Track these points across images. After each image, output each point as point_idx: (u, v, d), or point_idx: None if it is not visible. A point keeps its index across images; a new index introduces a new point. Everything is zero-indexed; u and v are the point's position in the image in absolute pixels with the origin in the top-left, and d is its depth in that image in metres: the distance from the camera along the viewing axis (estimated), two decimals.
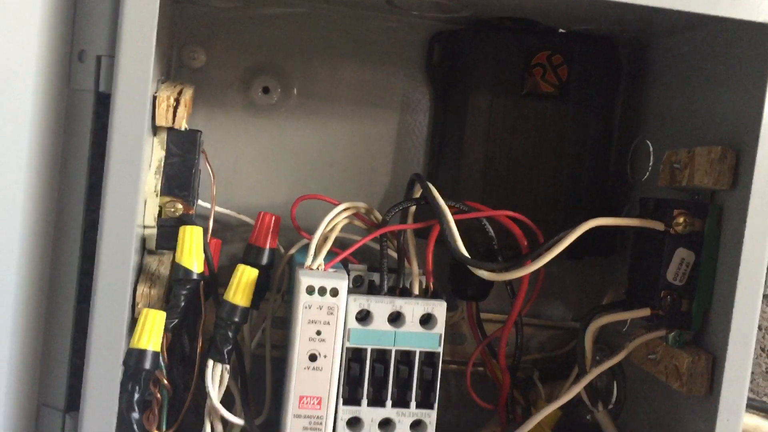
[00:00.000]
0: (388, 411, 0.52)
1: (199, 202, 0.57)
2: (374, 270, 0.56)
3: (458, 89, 0.61)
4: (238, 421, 0.52)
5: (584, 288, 0.67)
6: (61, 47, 0.42)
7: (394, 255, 0.55)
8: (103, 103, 0.42)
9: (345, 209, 0.55)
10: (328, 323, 0.50)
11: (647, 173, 0.61)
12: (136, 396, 0.48)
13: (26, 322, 0.46)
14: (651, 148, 0.61)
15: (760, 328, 0.72)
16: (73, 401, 0.46)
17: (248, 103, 0.62)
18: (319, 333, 0.50)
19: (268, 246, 0.57)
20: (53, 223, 0.46)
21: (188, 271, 0.51)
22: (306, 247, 0.54)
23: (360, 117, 0.64)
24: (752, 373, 0.73)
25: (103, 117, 0.42)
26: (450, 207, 0.53)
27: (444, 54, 0.63)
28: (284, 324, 0.58)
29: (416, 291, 0.54)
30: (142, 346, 0.48)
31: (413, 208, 0.56)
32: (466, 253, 0.52)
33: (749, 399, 0.69)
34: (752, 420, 0.66)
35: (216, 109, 0.62)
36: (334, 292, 0.50)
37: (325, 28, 0.63)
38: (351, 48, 0.63)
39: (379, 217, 0.56)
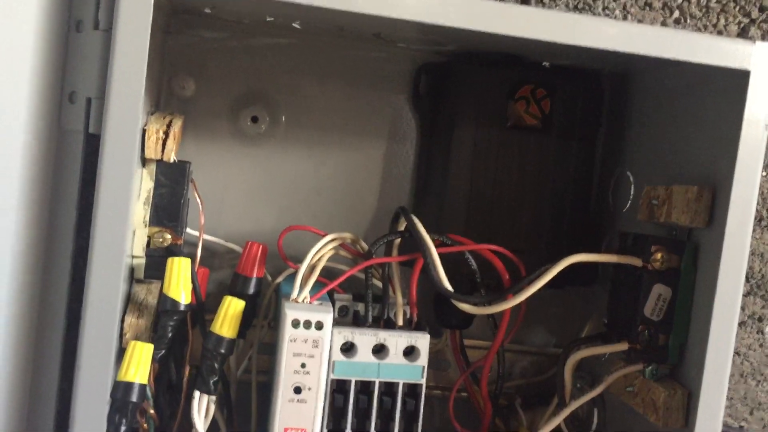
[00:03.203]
0: None
1: (188, 230, 0.58)
2: (359, 299, 0.57)
3: (444, 120, 0.63)
4: None
5: (566, 315, 0.68)
6: (52, 88, 0.43)
7: (380, 283, 0.57)
8: (93, 144, 0.43)
9: (331, 240, 0.56)
10: (313, 356, 0.51)
11: (628, 204, 0.62)
12: (123, 428, 0.49)
13: (14, 353, 0.46)
14: (632, 180, 0.62)
15: (738, 354, 0.74)
16: None
17: (237, 131, 0.63)
18: (303, 365, 0.51)
19: (255, 275, 0.57)
20: (43, 253, 0.47)
21: (175, 303, 0.52)
22: (293, 275, 0.55)
23: (347, 146, 0.65)
24: (731, 398, 0.74)
25: (92, 157, 0.43)
26: (434, 240, 0.54)
27: (430, 85, 0.64)
28: (270, 349, 0.59)
29: (400, 322, 0.55)
30: (129, 378, 0.49)
31: (399, 239, 0.57)
32: (449, 287, 0.53)
33: (727, 426, 0.70)
34: None
35: (205, 138, 0.63)
36: (319, 326, 0.51)
37: (313, 59, 0.63)
38: (339, 78, 0.64)
39: (365, 246, 0.57)
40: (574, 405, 0.55)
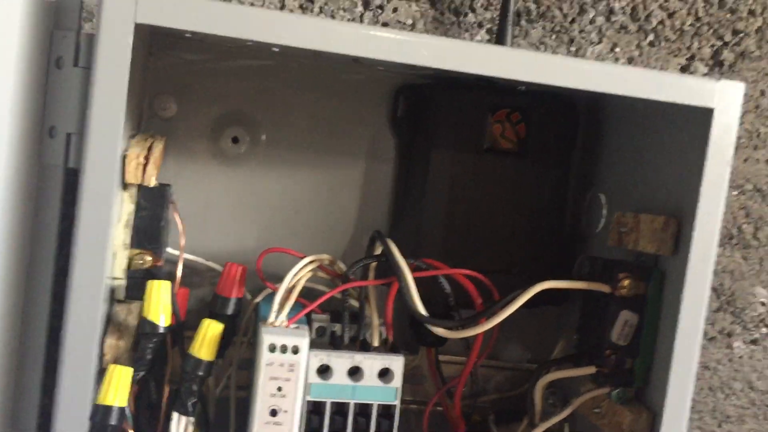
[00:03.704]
0: None
1: (169, 249, 0.59)
2: (337, 319, 0.58)
3: (421, 143, 0.64)
4: None
5: (540, 332, 0.69)
6: (33, 123, 0.44)
7: (357, 303, 0.58)
8: (72, 178, 0.44)
9: (309, 262, 0.58)
10: (289, 379, 0.52)
11: (600, 225, 0.63)
12: None
13: None
14: (604, 201, 0.63)
15: (708, 368, 0.76)
16: None
17: (218, 152, 0.64)
18: (280, 389, 0.52)
19: (234, 296, 0.59)
20: (25, 277, 0.48)
21: (155, 326, 0.53)
22: (272, 294, 0.57)
23: (326, 166, 0.66)
24: (700, 411, 0.76)
25: (72, 191, 0.44)
26: (409, 264, 0.56)
27: (408, 107, 0.65)
28: (249, 364, 0.60)
29: (376, 343, 0.56)
30: (108, 402, 0.50)
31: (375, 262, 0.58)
32: (423, 312, 0.54)
33: None
34: None
35: (186, 158, 0.64)
36: (295, 350, 0.52)
37: (292, 80, 0.64)
38: (318, 99, 0.65)
39: (343, 268, 0.59)
40: (545, 425, 0.57)
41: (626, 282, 0.53)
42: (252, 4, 0.67)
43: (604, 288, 0.54)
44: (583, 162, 0.67)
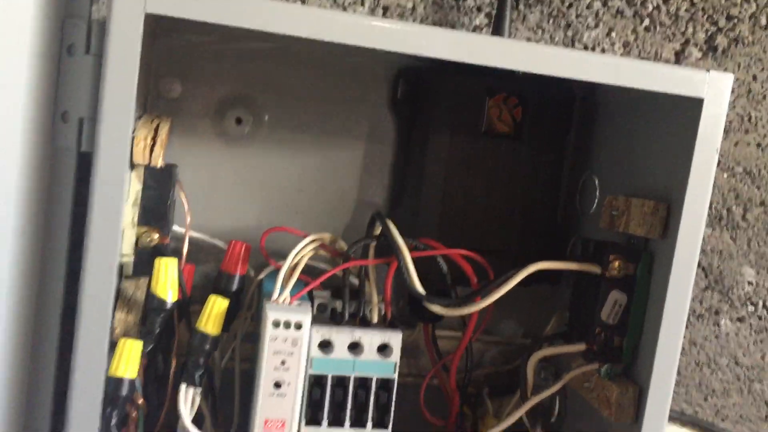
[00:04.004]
0: (346, 430, 0.57)
1: (175, 227, 0.61)
2: (338, 295, 0.60)
3: (420, 125, 0.65)
4: None
5: (534, 308, 0.72)
6: (46, 108, 0.46)
7: (357, 281, 0.60)
8: (85, 162, 0.46)
9: (311, 241, 0.60)
10: (292, 354, 0.54)
11: (593, 207, 0.65)
12: (114, 420, 0.52)
13: (13, 348, 0.50)
14: (597, 184, 0.65)
15: (695, 344, 0.78)
16: (58, 426, 0.50)
17: (222, 132, 0.66)
18: (283, 362, 0.54)
19: (238, 273, 0.61)
20: (40, 256, 0.50)
21: (162, 301, 0.55)
22: (275, 272, 0.59)
23: (328, 146, 0.68)
24: (686, 385, 0.79)
25: (84, 173, 0.46)
26: (407, 245, 0.58)
27: (408, 90, 0.67)
28: (253, 338, 0.63)
29: (375, 319, 0.59)
30: (119, 374, 0.52)
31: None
32: (421, 290, 0.57)
33: (678, 413, 0.75)
34: None
35: (191, 138, 0.65)
36: (298, 326, 0.54)
37: (295, 62, 0.66)
38: (320, 81, 0.66)
39: (344, 246, 0.61)
40: (536, 399, 0.59)
41: (616, 264, 0.55)
42: None
43: (595, 269, 0.56)
44: (578, 146, 0.68)
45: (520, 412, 0.59)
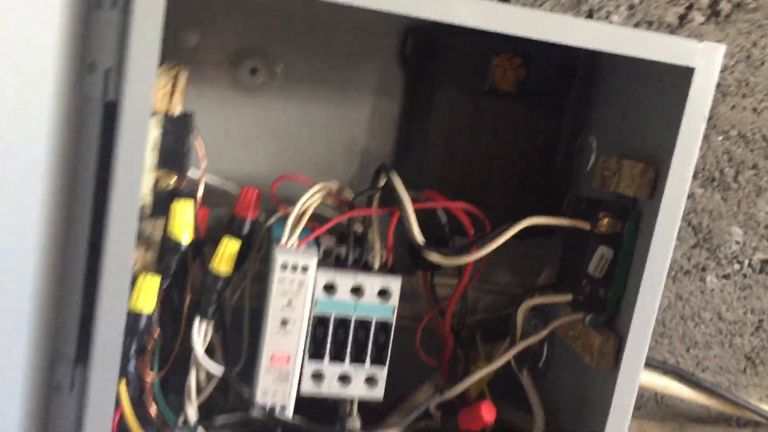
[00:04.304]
0: (346, 367, 0.61)
1: (191, 172, 0.64)
2: (343, 241, 0.64)
3: (426, 81, 0.68)
4: (219, 369, 0.61)
5: (528, 259, 0.75)
6: (74, 59, 0.49)
7: (361, 229, 0.64)
8: (110, 110, 0.49)
9: (319, 189, 0.63)
10: (298, 294, 0.58)
11: (590, 165, 0.68)
12: (133, 349, 0.57)
13: (44, 287, 0.54)
14: (594, 144, 0.68)
15: (681, 298, 0.82)
16: (82, 354, 0.54)
17: (236, 82, 0.69)
18: (290, 303, 0.58)
19: (249, 217, 0.64)
20: (68, 193, 0.54)
21: (178, 242, 0.59)
22: (284, 218, 0.62)
23: (338, 98, 0.70)
24: (670, 337, 0.83)
25: (109, 123, 0.49)
26: (410, 196, 0.61)
27: (416, 46, 0.69)
28: (261, 279, 0.67)
29: (377, 265, 0.63)
30: (138, 308, 0.56)
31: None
32: (421, 239, 0.60)
33: (659, 362, 0.80)
34: (662, 381, 0.76)
35: (207, 87, 0.68)
36: (305, 269, 0.58)
37: (309, 16, 0.68)
38: (332, 35, 0.69)
39: (350, 195, 0.64)
40: (524, 344, 0.63)
41: (605, 221, 0.59)
42: None
43: (585, 225, 0.59)
44: (579, 107, 0.71)
45: (508, 356, 0.63)
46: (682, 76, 0.53)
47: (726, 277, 0.82)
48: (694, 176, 0.79)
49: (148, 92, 0.49)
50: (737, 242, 0.81)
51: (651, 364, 0.77)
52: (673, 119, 0.54)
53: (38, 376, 0.54)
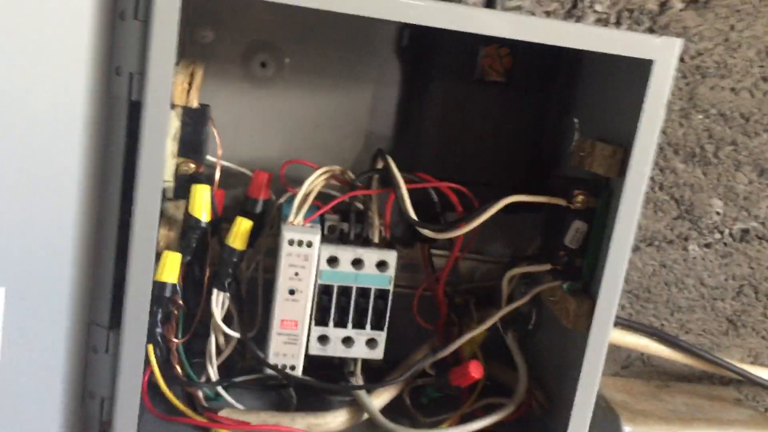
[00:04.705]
0: (349, 331, 0.69)
1: (208, 157, 0.71)
2: (344, 220, 0.71)
3: (421, 71, 0.74)
4: (236, 334, 0.69)
5: (519, 232, 0.81)
6: (103, 63, 0.56)
7: (361, 207, 0.71)
8: (135, 108, 0.56)
9: (323, 173, 0.70)
10: (304, 267, 0.66)
11: (573, 145, 0.74)
12: (159, 315, 0.65)
13: (81, 262, 0.61)
14: (577, 125, 0.74)
15: (665, 266, 0.88)
16: (115, 321, 0.62)
17: (248, 74, 0.75)
18: (297, 274, 0.66)
19: (261, 197, 0.71)
20: (100, 178, 0.61)
21: (198, 221, 0.66)
22: (293, 197, 0.70)
23: (341, 88, 0.77)
24: (655, 302, 0.89)
25: (134, 119, 0.56)
26: (404, 178, 0.68)
27: (411, 39, 0.75)
28: (273, 253, 0.74)
29: (376, 240, 0.70)
30: (163, 279, 0.64)
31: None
32: (414, 217, 0.67)
33: (641, 324, 0.86)
34: (641, 340, 0.83)
35: (221, 80, 0.75)
36: (309, 244, 0.65)
37: (314, 13, 0.74)
38: (335, 29, 0.75)
39: (352, 176, 0.71)
40: (509, 308, 0.70)
41: (580, 198, 0.65)
42: None
43: (561, 202, 0.65)
44: (563, 92, 0.76)
45: (494, 319, 0.70)
46: (643, 67, 0.59)
47: (707, 246, 0.88)
48: (676, 152, 0.84)
49: (167, 92, 0.55)
50: (718, 213, 0.87)
51: (633, 326, 0.83)
52: (637, 106, 0.60)
53: (77, 339, 0.62)
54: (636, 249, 0.87)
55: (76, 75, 0.56)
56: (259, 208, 0.71)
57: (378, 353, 0.70)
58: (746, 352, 0.93)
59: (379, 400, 0.72)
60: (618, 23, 0.79)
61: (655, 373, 0.92)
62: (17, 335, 0.58)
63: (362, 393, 0.71)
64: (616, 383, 0.89)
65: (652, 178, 0.85)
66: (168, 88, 0.56)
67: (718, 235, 0.88)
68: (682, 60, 0.81)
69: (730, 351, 0.93)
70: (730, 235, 0.88)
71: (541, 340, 0.76)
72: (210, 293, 0.68)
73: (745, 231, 0.88)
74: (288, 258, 0.65)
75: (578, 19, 0.79)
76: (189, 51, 0.74)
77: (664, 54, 0.58)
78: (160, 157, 0.58)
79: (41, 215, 0.58)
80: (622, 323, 0.84)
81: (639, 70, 0.60)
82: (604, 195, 0.65)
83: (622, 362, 0.92)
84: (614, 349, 0.90)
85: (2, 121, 0.54)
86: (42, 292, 0.59)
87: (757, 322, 0.92)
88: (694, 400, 0.87)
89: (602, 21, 0.79)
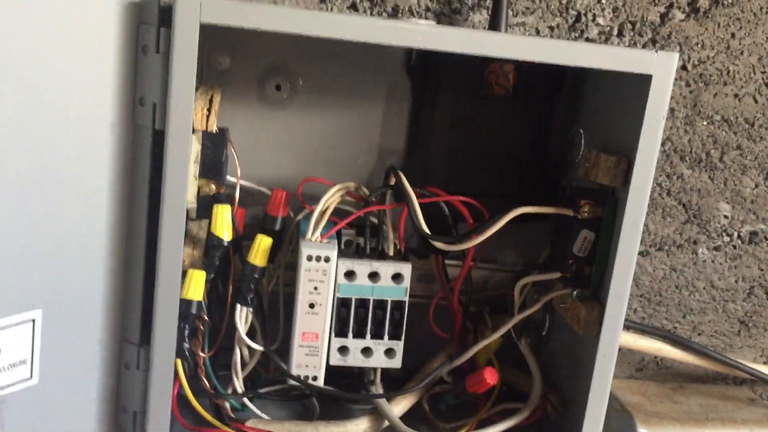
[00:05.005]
0: (367, 342, 0.71)
1: (229, 177, 0.74)
2: (360, 235, 0.74)
3: (430, 88, 0.77)
4: (259, 347, 0.72)
5: (531, 241, 0.83)
6: (128, 94, 0.59)
7: (376, 221, 0.73)
8: (158, 136, 0.60)
9: (338, 189, 0.73)
10: (323, 281, 0.68)
11: (579, 156, 0.77)
12: (187, 331, 0.68)
13: (112, 282, 0.64)
14: (582, 137, 0.76)
15: (675, 270, 0.90)
16: (145, 337, 0.65)
17: (264, 97, 0.79)
18: (316, 288, 0.68)
19: (280, 215, 0.74)
20: (128, 202, 0.64)
21: (220, 240, 0.70)
22: (310, 214, 0.72)
23: (353, 108, 0.80)
24: (667, 305, 0.91)
25: (159, 144, 0.59)
26: (416, 192, 0.71)
27: (420, 56, 0.78)
28: (293, 267, 0.76)
29: (391, 253, 0.72)
30: (189, 297, 0.67)
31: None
32: (426, 230, 0.69)
33: (654, 328, 0.88)
34: (654, 344, 0.85)
35: (239, 103, 0.78)
36: (327, 259, 0.68)
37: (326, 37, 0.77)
38: (346, 50, 0.78)
39: (367, 192, 0.73)
40: (521, 316, 0.73)
41: (586, 207, 0.67)
42: None
43: (568, 212, 0.68)
44: (569, 104, 0.79)
45: (508, 326, 0.73)
46: (643, 81, 0.61)
47: (717, 249, 0.90)
48: (682, 159, 0.86)
49: (188, 121, 0.59)
50: (725, 216, 0.88)
51: (646, 330, 0.85)
52: (638, 118, 0.62)
53: (110, 356, 0.65)
54: (646, 254, 0.89)
55: (102, 106, 0.59)
56: (278, 226, 0.74)
57: (396, 362, 0.72)
58: (759, 352, 0.95)
59: (398, 407, 0.74)
60: (621, 35, 0.82)
61: (670, 375, 0.94)
62: (54, 354, 0.62)
63: (382, 401, 0.73)
64: (631, 386, 0.90)
65: (659, 184, 0.87)
66: (189, 116, 0.59)
67: (726, 238, 0.89)
68: (684, 68, 0.84)
69: (743, 351, 0.94)
70: (739, 237, 0.90)
71: (554, 345, 0.78)
72: (234, 308, 0.71)
73: (754, 233, 0.90)
74: (307, 273, 0.68)
75: (581, 33, 0.81)
76: (207, 77, 0.77)
77: (661, 68, 0.60)
78: (183, 180, 0.61)
79: (73, 239, 0.61)
80: (634, 327, 0.86)
81: (639, 83, 0.62)
82: (610, 204, 0.67)
83: (637, 365, 0.94)
84: (628, 353, 0.92)
85: (36, 151, 0.57)
86: (76, 312, 0.62)
87: None
88: (708, 400, 0.89)
89: (605, 34, 0.81)
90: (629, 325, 0.87)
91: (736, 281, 0.91)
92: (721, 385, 0.94)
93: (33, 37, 0.54)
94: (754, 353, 0.95)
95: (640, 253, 0.89)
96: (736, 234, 0.89)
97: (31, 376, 0.60)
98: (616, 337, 0.66)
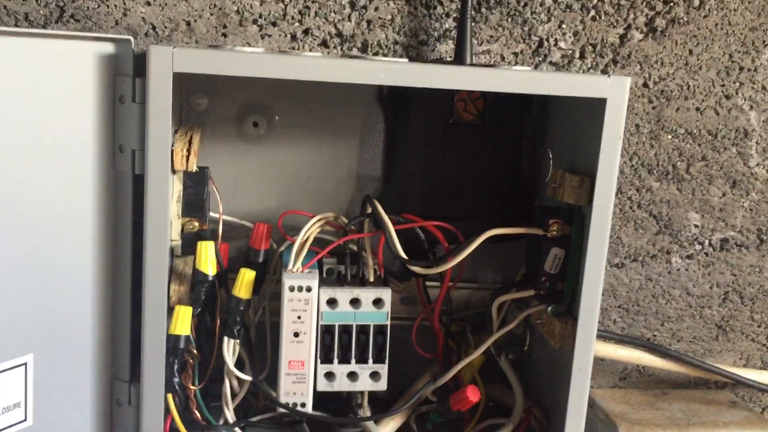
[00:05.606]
0: (353, 366, 0.74)
1: (211, 213, 0.77)
2: (341, 262, 0.77)
3: (402, 118, 0.80)
4: (248, 378, 0.74)
5: (508, 259, 0.86)
6: (107, 142, 0.62)
7: (356, 249, 0.76)
8: (139, 180, 0.62)
9: (317, 220, 0.75)
10: (306, 310, 0.71)
11: (548, 175, 0.79)
12: (176, 366, 0.70)
13: (100, 321, 0.67)
14: (551, 156, 0.79)
15: (650, 280, 0.92)
16: (135, 374, 0.67)
17: (242, 134, 0.81)
18: (299, 317, 0.71)
19: (263, 248, 0.77)
20: (112, 243, 0.67)
21: (205, 275, 0.72)
22: (291, 245, 0.75)
23: (329, 140, 0.83)
24: (645, 314, 0.94)
25: (139, 189, 0.62)
26: (391, 219, 0.73)
27: (390, 89, 0.81)
28: (278, 297, 0.78)
29: (371, 279, 0.75)
30: (177, 332, 0.69)
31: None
32: (404, 255, 0.72)
33: (632, 337, 0.90)
34: (634, 353, 0.87)
35: (218, 140, 0.81)
36: (309, 289, 0.70)
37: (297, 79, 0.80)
38: (319, 86, 0.80)
39: (345, 221, 0.76)
40: (499, 333, 0.75)
41: (555, 226, 0.70)
42: (261, 24, 0.82)
43: (538, 232, 0.71)
44: (537, 127, 0.82)
45: (487, 344, 0.75)
46: (598, 104, 0.64)
47: (689, 257, 0.92)
48: (650, 172, 0.89)
49: (167, 165, 0.61)
50: (696, 225, 0.91)
51: (624, 340, 0.88)
52: (597, 138, 0.65)
53: (102, 395, 0.67)
54: (622, 265, 0.92)
55: (84, 155, 0.62)
56: (261, 258, 0.77)
57: (382, 385, 0.75)
58: (738, 356, 0.97)
59: (386, 429, 0.77)
60: (582, 57, 0.85)
61: (653, 382, 0.96)
62: (47, 395, 0.64)
63: (370, 423, 0.75)
64: (615, 395, 0.93)
65: (629, 198, 0.90)
66: (167, 161, 0.61)
67: (698, 247, 0.92)
68: (646, 86, 0.87)
69: (723, 355, 0.97)
70: (710, 245, 0.92)
71: (535, 360, 0.81)
72: (221, 341, 0.73)
73: (725, 240, 0.92)
74: (290, 303, 0.70)
75: (544, 57, 0.84)
76: (186, 118, 0.80)
77: (615, 92, 0.63)
78: (165, 221, 0.64)
79: (61, 283, 0.64)
80: (614, 338, 0.89)
81: (595, 107, 0.65)
82: (577, 222, 0.70)
83: (620, 374, 0.96)
84: (610, 363, 0.94)
85: (22, 199, 0.60)
86: (67, 353, 0.65)
87: (745, 326, 0.96)
88: (690, 405, 0.91)
89: (567, 57, 0.85)
90: (608, 336, 0.89)
91: (710, 287, 0.94)
92: (704, 390, 0.96)
93: (13, 91, 0.57)
94: (734, 356, 0.97)
95: (616, 265, 0.92)
96: (707, 242, 0.92)
97: (26, 418, 0.63)
98: (590, 349, 0.68)
